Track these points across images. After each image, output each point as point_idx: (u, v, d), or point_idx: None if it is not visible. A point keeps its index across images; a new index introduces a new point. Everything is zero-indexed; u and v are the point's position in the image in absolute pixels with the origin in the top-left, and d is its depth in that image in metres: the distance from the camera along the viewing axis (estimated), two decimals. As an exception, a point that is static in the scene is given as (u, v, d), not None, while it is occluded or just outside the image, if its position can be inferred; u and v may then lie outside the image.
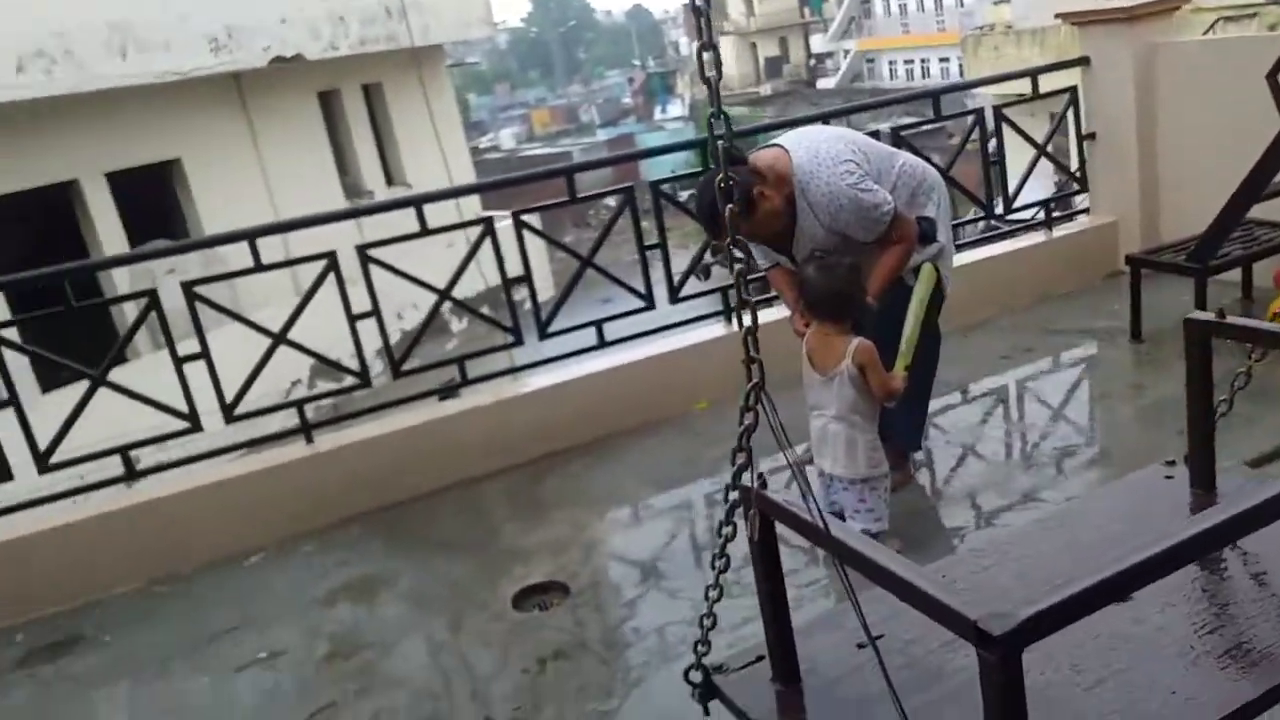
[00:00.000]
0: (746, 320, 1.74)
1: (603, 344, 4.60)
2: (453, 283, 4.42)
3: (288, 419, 4.27)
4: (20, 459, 3.84)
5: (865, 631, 1.61)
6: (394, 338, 4.36)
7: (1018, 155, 5.40)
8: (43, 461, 3.88)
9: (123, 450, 3.99)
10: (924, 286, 3.29)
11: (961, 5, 40.78)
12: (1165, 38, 5.33)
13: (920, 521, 3.48)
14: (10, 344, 3.86)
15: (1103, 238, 5.55)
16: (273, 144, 12.16)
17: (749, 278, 1.78)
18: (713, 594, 1.91)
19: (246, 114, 11.96)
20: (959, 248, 4.97)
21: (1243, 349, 2.29)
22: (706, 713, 1.99)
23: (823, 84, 49.61)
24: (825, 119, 4.64)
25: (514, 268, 4.45)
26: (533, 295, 4.54)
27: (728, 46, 52.05)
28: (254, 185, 11.74)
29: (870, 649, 1.60)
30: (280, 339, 4.16)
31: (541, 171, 4.92)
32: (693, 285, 4.70)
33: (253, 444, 4.34)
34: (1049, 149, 5.56)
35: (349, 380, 4.35)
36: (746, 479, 1.79)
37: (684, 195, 4.73)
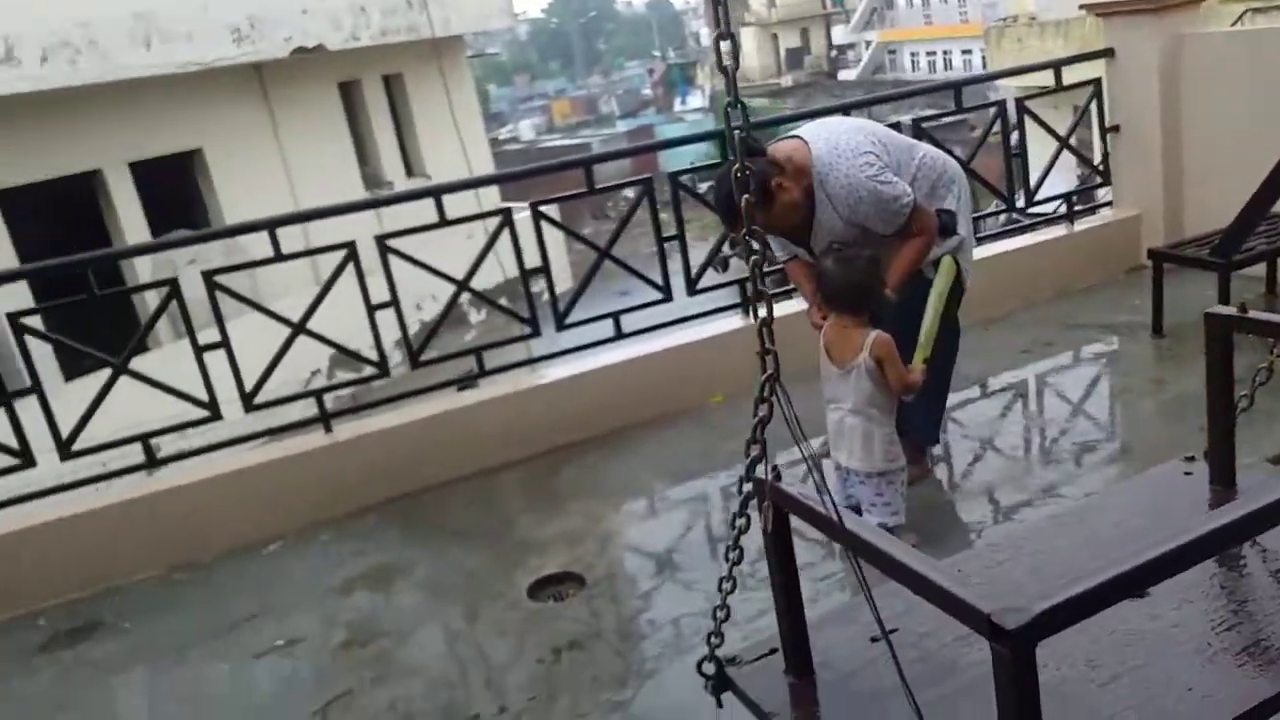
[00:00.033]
0: (762, 312, 1.74)
1: (620, 336, 4.61)
2: (471, 273, 4.43)
3: (307, 408, 4.30)
4: (43, 446, 3.88)
5: (879, 625, 1.60)
6: (413, 328, 4.38)
7: (1040, 148, 5.36)
8: (65, 449, 3.92)
9: (143, 438, 4.03)
10: (943, 279, 3.27)
11: (985, -4, 40.45)
12: (1192, 29, 5.27)
13: (937, 516, 3.47)
14: (34, 331, 3.90)
15: (1125, 231, 5.50)
16: (294, 134, 12.22)
17: (766, 270, 1.77)
18: (726, 586, 1.91)
19: (268, 104, 12.03)
20: (979, 241, 4.93)
21: (1265, 344, 2.27)
22: (720, 705, 2.00)
23: (844, 75, 49.39)
24: (846, 110, 4.62)
25: (532, 259, 4.45)
26: (550, 286, 4.54)
27: (749, 37, 51.91)
28: (275, 175, 11.81)
29: (884, 643, 1.60)
30: (300, 329, 4.18)
31: (559, 163, 4.92)
32: (711, 277, 4.69)
33: (272, 433, 4.36)
34: (1072, 141, 5.51)
35: (368, 370, 4.37)
36: (760, 471, 1.79)
37: (703, 187, 4.73)
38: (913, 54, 46.93)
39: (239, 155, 11.58)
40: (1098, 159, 5.67)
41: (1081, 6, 5.93)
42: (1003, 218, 5.78)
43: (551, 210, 4.49)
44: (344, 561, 3.80)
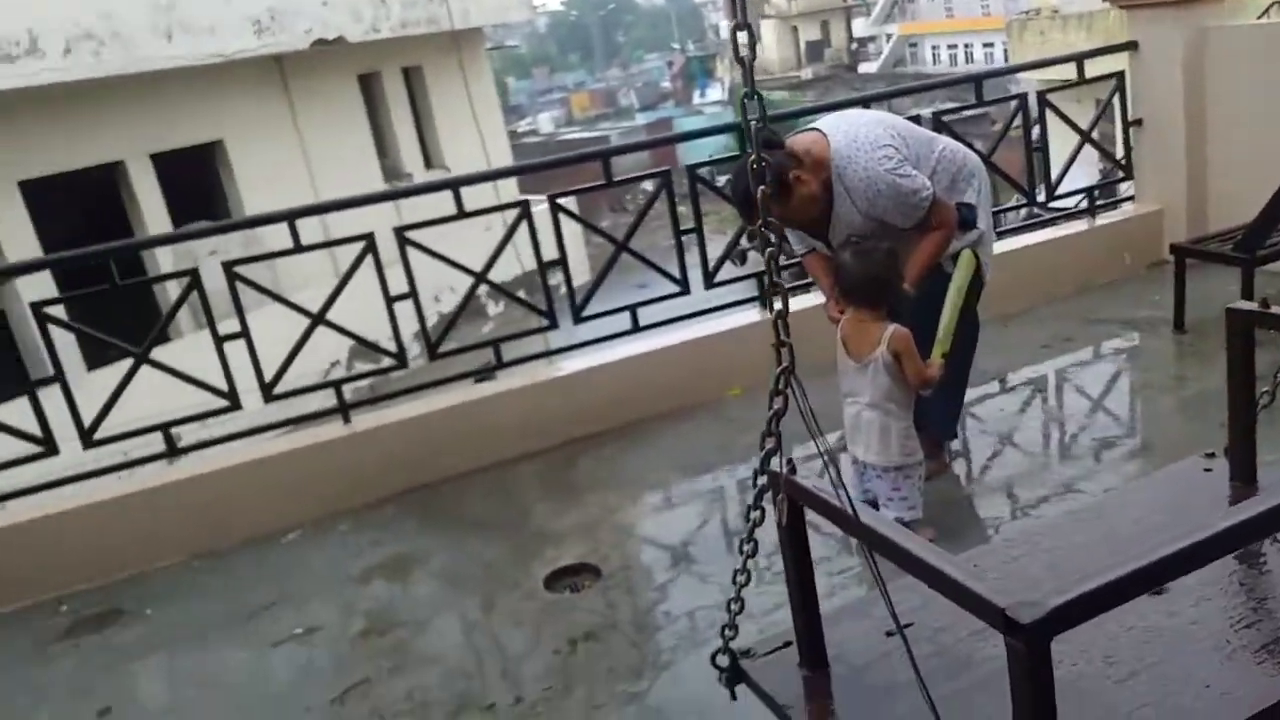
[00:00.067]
0: (777, 304, 1.73)
1: (637, 329, 4.60)
2: (489, 266, 4.44)
3: (326, 399, 4.32)
4: (66, 434, 3.92)
5: (893, 619, 1.60)
6: (431, 320, 4.40)
7: (1062, 142, 5.32)
8: (87, 437, 3.95)
9: (164, 427, 4.06)
10: (963, 273, 3.25)
11: (1007, -11, 40.14)
12: (1217, 21, 5.22)
13: (955, 511, 3.46)
14: (57, 321, 3.94)
15: (1147, 226, 5.45)
16: (313, 126, 12.27)
17: (784, 263, 1.77)
18: (740, 579, 1.91)
19: (288, 96, 12.08)
20: (999, 235, 4.91)
21: (1287, 340, 2.24)
22: (734, 697, 2.00)
23: (864, 68, 49.10)
24: (866, 103, 4.60)
25: (550, 252, 4.46)
26: (568, 279, 4.55)
27: (768, 30, 51.69)
28: (295, 167, 11.86)
29: (899, 637, 1.60)
30: (319, 319, 4.21)
31: (577, 155, 4.92)
32: (728, 270, 4.69)
33: (291, 423, 4.39)
34: (1094, 135, 5.47)
35: (386, 361, 4.39)
36: (775, 464, 1.79)
37: (721, 180, 4.72)
38: (934, 47, 46.59)
39: (259, 147, 11.64)
40: (1120, 153, 5.63)
41: (1105, -1, 5.88)
42: (1023, 212, 5.72)
43: (569, 203, 4.50)
44: (362, 551, 3.82)
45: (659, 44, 71.59)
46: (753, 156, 1.76)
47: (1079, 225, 5.53)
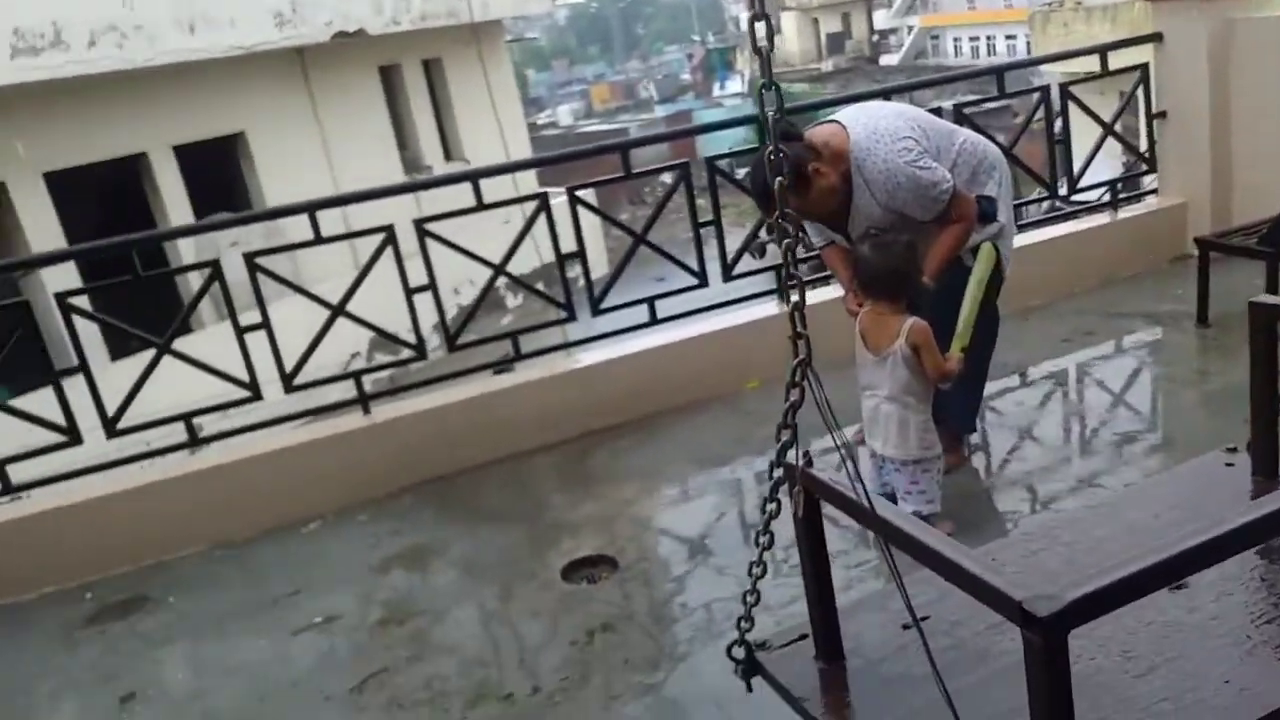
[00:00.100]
0: (794, 296, 1.73)
1: (655, 321, 4.60)
2: (507, 258, 4.45)
3: (346, 390, 4.35)
4: (90, 424, 3.96)
5: (909, 611, 1.60)
6: (450, 312, 4.41)
7: (1085, 135, 5.27)
8: (111, 427, 4.00)
9: (186, 417, 4.10)
10: (983, 267, 3.24)
11: (1030, -20, 39.77)
12: (1243, 13, 5.16)
13: (973, 505, 3.44)
14: (81, 311, 3.98)
15: (1171, 219, 5.41)
16: (334, 118, 12.32)
17: (803, 256, 1.77)
18: (756, 571, 1.91)
19: (309, 88, 12.14)
20: (1021, 228, 4.88)
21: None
22: (750, 689, 2.00)
23: (885, 61, 48.83)
24: (886, 95, 4.57)
25: (569, 244, 4.46)
26: (586, 271, 4.55)
27: (789, 22, 51.47)
28: (315, 159, 11.92)
29: (915, 630, 1.60)
30: (339, 311, 4.23)
31: (596, 147, 4.92)
32: (747, 263, 4.68)
33: (312, 414, 4.42)
34: (1117, 128, 5.42)
35: (405, 353, 4.41)
36: (791, 456, 1.79)
37: (741, 172, 4.71)
38: (955, 39, 46.30)
39: (280, 139, 11.70)
40: (1143, 146, 5.58)
41: (1129, -10, 5.82)
42: (1045, 205, 5.69)
43: (588, 195, 4.50)
44: (381, 541, 3.85)
45: (679, 36, 71.39)
46: (770, 148, 1.75)
47: (1101, 218, 5.48)
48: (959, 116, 4.59)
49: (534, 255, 4.79)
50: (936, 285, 3.12)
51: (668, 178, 4.76)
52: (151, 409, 4.02)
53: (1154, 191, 5.66)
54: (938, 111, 4.26)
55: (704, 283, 4.61)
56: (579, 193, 4.43)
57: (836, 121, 3.28)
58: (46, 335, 3.96)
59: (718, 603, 3.08)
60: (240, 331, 4.09)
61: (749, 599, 1.93)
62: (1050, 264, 5.09)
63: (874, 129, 3.18)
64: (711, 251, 4.59)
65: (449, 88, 14.36)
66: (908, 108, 3.58)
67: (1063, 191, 5.34)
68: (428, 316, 4.31)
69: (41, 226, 9.50)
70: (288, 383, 4.18)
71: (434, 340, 4.49)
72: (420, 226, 4.20)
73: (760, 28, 1.71)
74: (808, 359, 1.74)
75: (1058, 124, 5.21)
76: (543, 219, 4.36)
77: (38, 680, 3.28)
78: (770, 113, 1.78)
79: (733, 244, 4.64)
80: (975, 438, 3.82)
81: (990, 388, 3.81)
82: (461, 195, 4.29)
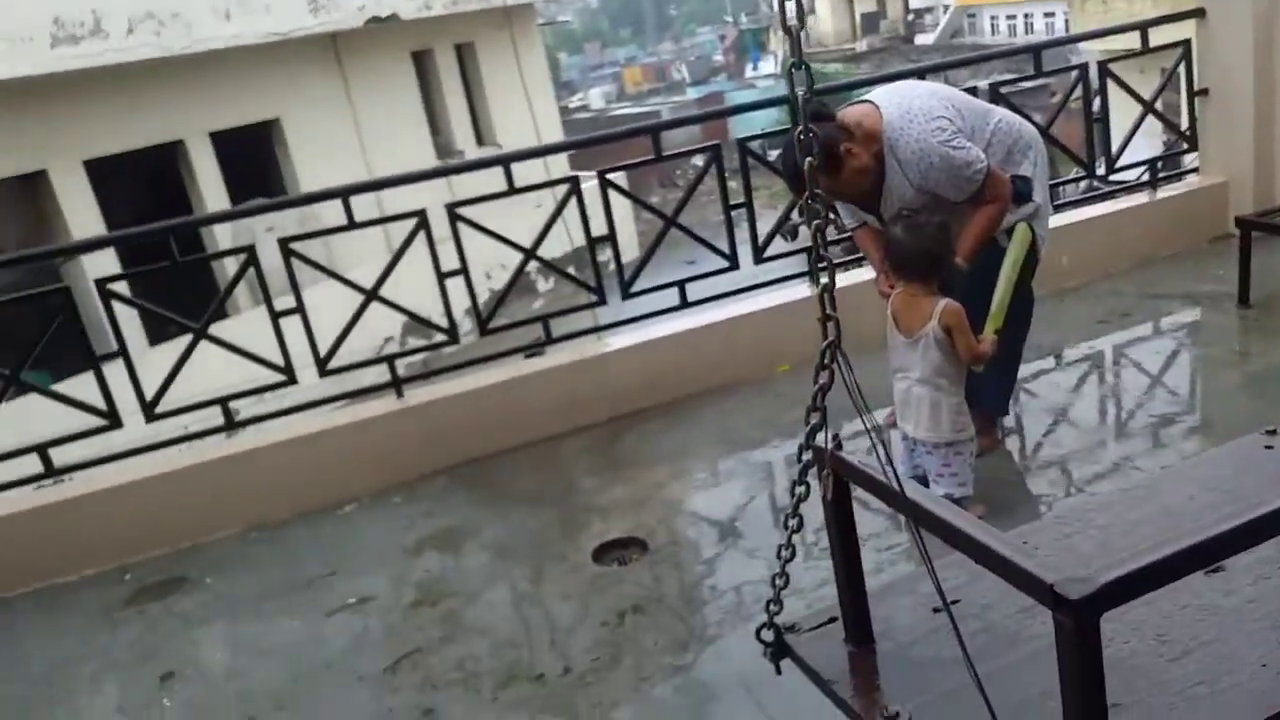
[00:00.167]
0: (823, 278, 1.72)
1: (685, 304, 4.60)
2: (538, 242, 4.45)
3: (379, 374, 4.38)
4: (129, 408, 4.02)
5: (940, 595, 1.59)
6: (482, 297, 4.43)
7: (1123, 114, 5.18)
8: (149, 411, 4.06)
9: (223, 401, 4.15)
10: (1018, 248, 3.20)
11: (1069, -44, 39.03)
12: (1289, -13, 5.03)
13: (1006, 488, 3.41)
14: (120, 297, 4.03)
15: (1212, 199, 5.30)
16: (367, 104, 12.39)
17: (835, 237, 1.76)
18: (785, 553, 1.90)
19: (343, 74, 12.21)
20: (1057, 208, 4.81)
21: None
22: (779, 671, 2.00)
23: (921, 40, 48.23)
24: (921, 75, 4.51)
25: (600, 227, 4.46)
26: (616, 255, 4.55)
27: (823, 2, 50.97)
28: (349, 144, 12.00)
29: (946, 613, 1.59)
30: (372, 295, 4.26)
31: (626, 130, 4.90)
32: (778, 246, 4.65)
33: (346, 397, 4.46)
34: (1158, 106, 5.32)
35: (438, 337, 4.44)
36: (820, 439, 1.78)
37: (773, 154, 4.67)
38: (992, 18, 45.58)
39: (314, 125, 11.78)
40: (1185, 124, 5.47)
41: (1171, -36, 5.70)
42: (1082, 185, 5.61)
43: (619, 178, 4.49)
44: (414, 523, 3.88)
45: (711, 17, 70.89)
46: (800, 128, 1.74)
47: (1140, 198, 5.39)
48: (995, 96, 4.52)
49: (565, 239, 4.80)
50: (970, 266, 3.08)
51: (699, 160, 4.74)
52: (189, 393, 4.07)
53: (1195, 170, 5.55)
54: (974, 91, 4.21)
55: (735, 265, 4.59)
56: (610, 176, 4.42)
57: (869, 101, 3.24)
58: (87, 320, 4.03)
59: (747, 585, 3.08)
60: (275, 316, 4.13)
61: (778, 582, 1.93)
62: (1087, 244, 5.02)
63: (907, 108, 3.15)
64: (743, 234, 4.57)
65: (481, 72, 14.37)
66: (941, 87, 3.53)
67: (1100, 171, 5.25)
68: (460, 301, 4.33)
69: (82, 213, 9.65)
70: (322, 367, 4.22)
71: (466, 324, 4.51)
72: (452, 211, 4.22)
73: (790, 6, 1.69)
74: (837, 341, 1.73)
75: (1096, 103, 5.12)
76: (573, 203, 4.36)
77: (80, 659, 3.35)
78: (800, 92, 1.76)
79: (765, 226, 4.61)
80: (1008, 420, 3.78)
81: (1024, 370, 3.77)
82: (493, 179, 4.30)
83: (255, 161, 11.58)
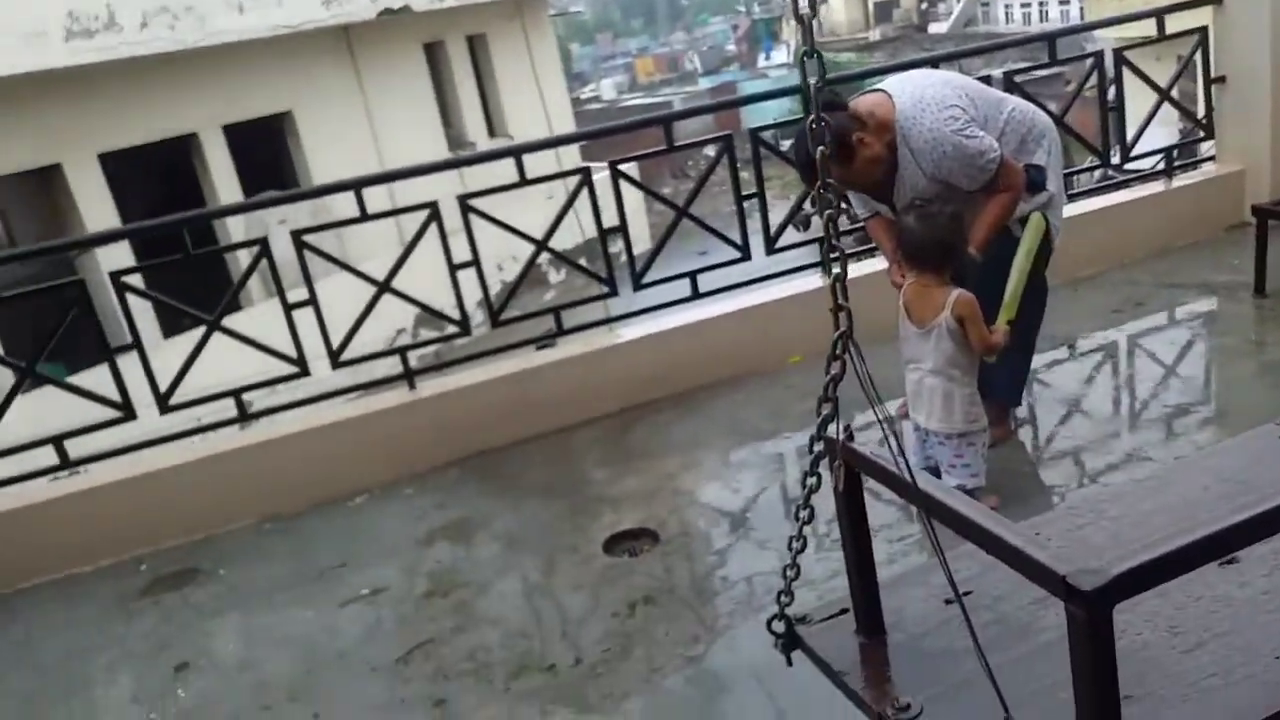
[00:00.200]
0: (835, 268, 1.71)
1: (697, 295, 4.59)
2: (550, 233, 4.45)
3: (392, 366, 4.39)
4: (143, 400, 4.04)
5: (951, 586, 1.58)
6: (494, 288, 4.43)
7: (1139, 101, 5.14)
8: (163, 402, 4.08)
9: (236, 393, 4.17)
10: (1031, 237, 3.18)
11: (1085, -57, 38.70)
12: (1308, -27, 4.98)
13: (1019, 479, 3.40)
14: (135, 290, 4.05)
15: (1228, 187, 5.26)
16: (379, 96, 12.40)
17: (848, 227, 1.75)
18: (796, 545, 1.90)
19: (355, 66, 12.22)
20: (1071, 198, 4.78)
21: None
22: (790, 663, 2.00)
23: (934, 29, 47.92)
24: (934, 64, 4.49)
25: (611, 218, 4.45)
26: (628, 246, 4.54)
27: (836, -9, 50.69)
28: (361, 136, 12.03)
29: (957, 605, 1.58)
30: (385, 287, 4.27)
31: (638, 120, 4.90)
32: (791, 236, 4.63)
33: (358, 389, 4.48)
34: (1173, 94, 5.27)
35: (450, 329, 4.44)
36: (832, 430, 1.77)
37: (786, 144, 4.65)
38: (1006, 6, 45.29)
39: (327, 117, 11.81)
40: (1201, 112, 5.43)
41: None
42: (1097, 174, 5.55)
43: (631, 169, 4.48)
44: (426, 514, 3.89)
45: (724, 7, 70.61)
46: (811, 118, 1.73)
47: (1155, 187, 5.35)
48: (1009, 84, 4.50)
49: (576, 230, 4.79)
50: (984, 256, 3.07)
51: (711, 150, 4.73)
52: (202, 385, 4.09)
53: (1211, 159, 5.50)
54: (987, 79, 4.18)
55: (747, 256, 4.58)
56: (621, 167, 4.41)
57: (882, 90, 3.23)
58: (101, 313, 4.05)
59: (758, 576, 3.08)
60: (288, 308, 4.14)
61: (789, 573, 1.92)
62: (1101, 233, 4.99)
63: (920, 97, 3.13)
64: (755, 225, 4.56)
65: (493, 63, 14.37)
66: (955, 76, 3.51)
67: (1115, 160, 5.21)
68: (472, 292, 4.33)
69: (96, 206, 9.70)
70: (335, 359, 4.23)
71: (478, 316, 4.52)
72: (464, 202, 4.22)
73: (801, -5, 1.68)
74: (849, 331, 1.72)
75: (1111, 90, 5.08)
76: (585, 194, 4.35)
77: (96, 649, 3.37)
78: (813, 81, 1.75)
79: (777, 217, 4.60)
80: (1022, 411, 3.77)
81: (1038, 360, 3.75)
82: (505, 171, 4.30)
83: (268, 154, 11.61)
